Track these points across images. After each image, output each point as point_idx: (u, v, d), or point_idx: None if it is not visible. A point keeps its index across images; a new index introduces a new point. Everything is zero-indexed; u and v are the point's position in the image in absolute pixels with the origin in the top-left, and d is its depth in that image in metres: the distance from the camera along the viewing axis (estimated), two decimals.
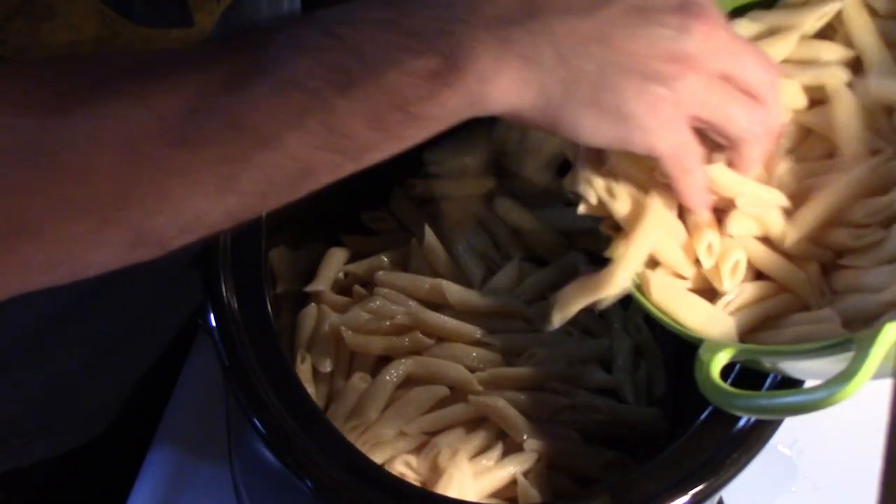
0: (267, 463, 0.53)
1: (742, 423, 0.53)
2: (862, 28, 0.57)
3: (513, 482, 0.61)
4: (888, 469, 0.72)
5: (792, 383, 0.54)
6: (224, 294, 0.56)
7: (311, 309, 0.68)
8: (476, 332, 0.66)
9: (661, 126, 0.46)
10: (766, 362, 0.51)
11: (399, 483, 0.53)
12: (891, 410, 0.74)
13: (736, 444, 0.53)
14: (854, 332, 0.46)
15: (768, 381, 0.54)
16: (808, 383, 0.53)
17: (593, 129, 0.46)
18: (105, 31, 0.51)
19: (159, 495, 0.68)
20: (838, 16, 0.58)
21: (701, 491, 0.52)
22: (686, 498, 0.52)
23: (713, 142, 0.50)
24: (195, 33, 0.55)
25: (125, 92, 0.41)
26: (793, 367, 0.52)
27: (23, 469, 0.71)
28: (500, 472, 0.61)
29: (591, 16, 0.45)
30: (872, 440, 0.72)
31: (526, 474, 0.61)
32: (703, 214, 0.52)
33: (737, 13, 0.58)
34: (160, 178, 0.41)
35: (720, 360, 0.49)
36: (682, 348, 0.54)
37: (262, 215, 0.59)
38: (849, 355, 0.45)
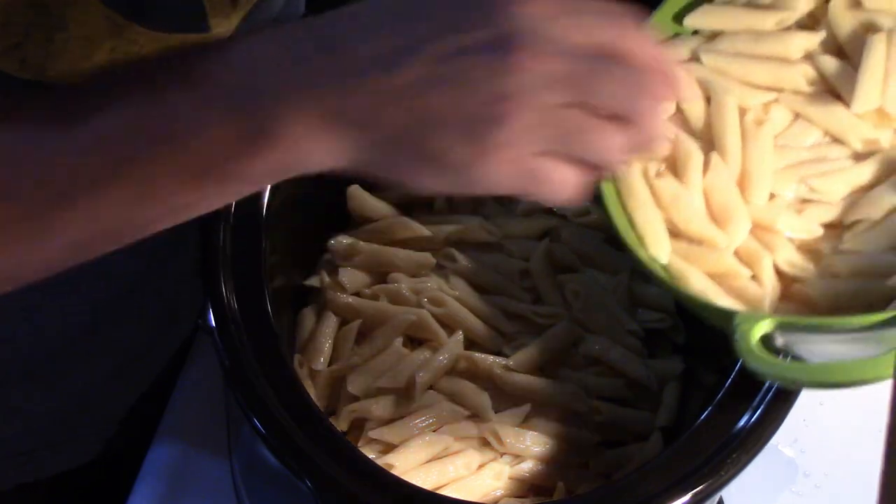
0: (267, 463, 0.53)
1: (742, 422, 0.53)
2: (847, 26, 0.57)
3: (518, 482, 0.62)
4: (888, 469, 0.72)
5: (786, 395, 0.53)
6: (224, 294, 0.56)
7: (311, 309, 0.68)
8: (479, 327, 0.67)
9: (496, 169, 0.43)
10: (801, 338, 0.50)
11: (399, 483, 0.53)
12: (891, 410, 0.74)
13: (736, 444, 0.53)
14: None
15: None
16: None
17: (424, 182, 0.43)
18: (118, 39, 0.50)
19: (159, 496, 0.68)
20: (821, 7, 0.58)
21: (701, 491, 0.52)
22: (686, 498, 0.52)
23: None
24: (212, 39, 0.54)
25: None
26: (821, 347, 0.50)
27: (23, 485, 0.71)
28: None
29: (404, 68, 0.42)
30: (873, 440, 0.72)
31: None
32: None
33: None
34: None
35: (761, 328, 0.48)
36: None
37: (261, 212, 0.59)
38: (881, 335, 0.44)
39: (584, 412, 0.64)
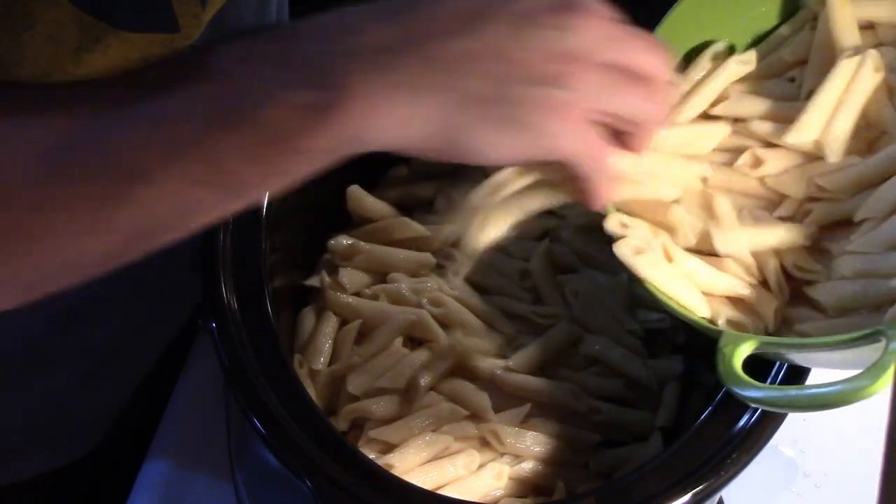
0: (267, 463, 0.54)
1: (742, 422, 0.53)
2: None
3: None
4: (888, 469, 0.72)
5: (798, 373, 0.53)
6: (224, 294, 0.56)
7: (311, 309, 0.68)
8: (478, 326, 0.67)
9: (564, 128, 0.44)
10: (786, 354, 0.50)
11: (399, 483, 0.53)
12: (891, 410, 0.74)
13: (736, 444, 0.53)
14: (878, 324, 0.45)
15: (774, 368, 0.54)
16: (817, 371, 0.52)
17: (497, 147, 0.44)
18: (86, 38, 0.49)
19: (160, 495, 0.68)
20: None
21: (701, 491, 0.52)
22: (686, 498, 0.52)
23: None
24: (180, 39, 0.54)
25: (2, 122, 0.40)
26: (811, 358, 0.51)
27: (20, 482, 0.71)
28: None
29: (476, 35, 0.43)
30: (873, 440, 0.72)
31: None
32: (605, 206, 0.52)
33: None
34: (29, 214, 0.40)
35: (743, 351, 0.48)
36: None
37: (262, 212, 0.59)
38: (876, 346, 0.44)
39: (584, 412, 0.64)
